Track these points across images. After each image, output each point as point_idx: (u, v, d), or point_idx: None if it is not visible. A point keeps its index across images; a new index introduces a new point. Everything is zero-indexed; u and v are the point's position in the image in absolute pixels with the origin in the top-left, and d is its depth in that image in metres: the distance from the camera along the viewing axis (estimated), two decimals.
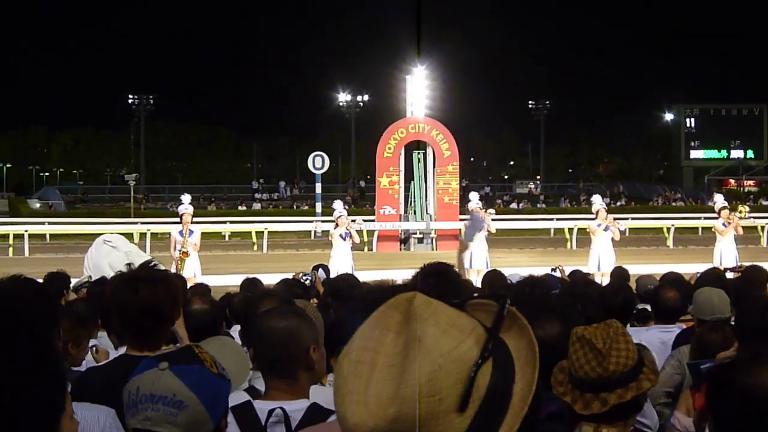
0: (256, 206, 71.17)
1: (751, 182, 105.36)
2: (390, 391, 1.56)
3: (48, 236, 40.45)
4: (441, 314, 1.65)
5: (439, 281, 3.77)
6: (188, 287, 10.06)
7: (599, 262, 22.27)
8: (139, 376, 2.70)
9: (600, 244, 22.91)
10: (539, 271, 12.27)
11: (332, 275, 12.08)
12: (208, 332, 6.89)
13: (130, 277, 4.58)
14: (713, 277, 9.60)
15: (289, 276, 10.95)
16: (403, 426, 1.54)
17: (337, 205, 25.68)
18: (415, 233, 36.67)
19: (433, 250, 35.02)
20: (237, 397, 3.48)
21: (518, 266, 19.63)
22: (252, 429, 3.66)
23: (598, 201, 24.71)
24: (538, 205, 78.10)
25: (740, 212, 24.86)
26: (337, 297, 8.47)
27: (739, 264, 14.35)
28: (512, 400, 1.64)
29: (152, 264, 4.67)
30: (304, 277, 10.07)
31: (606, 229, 23.00)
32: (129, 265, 5.70)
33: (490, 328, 1.65)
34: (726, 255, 22.07)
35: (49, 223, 42.15)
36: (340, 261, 20.97)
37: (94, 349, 6.37)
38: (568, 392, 3.48)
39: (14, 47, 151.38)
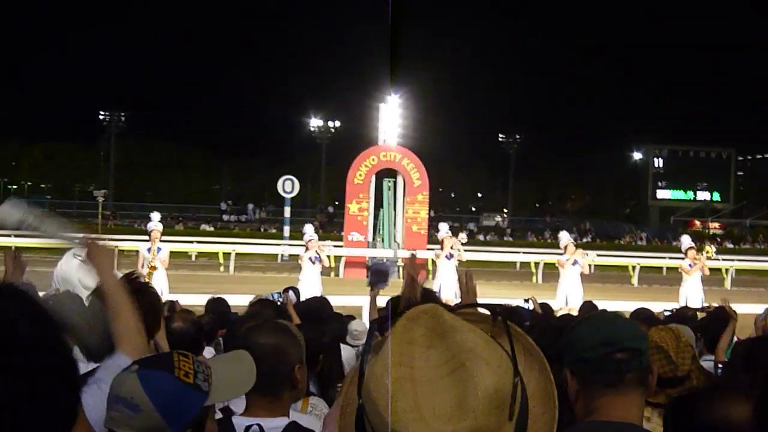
0: (224, 228, 71.23)
1: (716, 224, 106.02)
2: (451, 404, 1.57)
3: (13, 249, 40.10)
4: (472, 327, 1.68)
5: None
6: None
7: (567, 297, 22.31)
8: (116, 376, 2.78)
9: (568, 279, 22.97)
10: (509, 302, 12.27)
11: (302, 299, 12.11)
12: (190, 351, 6.87)
13: None
14: (684, 316, 9.70)
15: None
16: None
17: (308, 228, 25.71)
18: (381, 260, 36.71)
19: (399, 278, 34.95)
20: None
21: (487, 297, 19.60)
22: None
23: (565, 236, 24.74)
24: (505, 238, 78.36)
25: (707, 252, 24.97)
26: (309, 319, 8.44)
27: (707, 304, 14.40)
28: (531, 412, 1.68)
29: (134, 276, 4.65)
30: (276, 297, 10.07)
31: (574, 263, 23.08)
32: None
33: (507, 338, 1.68)
34: (692, 295, 22.15)
35: (15, 236, 41.82)
36: (309, 285, 20.94)
37: None
38: None
39: None
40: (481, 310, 1.80)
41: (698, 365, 4.89)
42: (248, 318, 6.63)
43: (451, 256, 24.25)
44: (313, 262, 23.19)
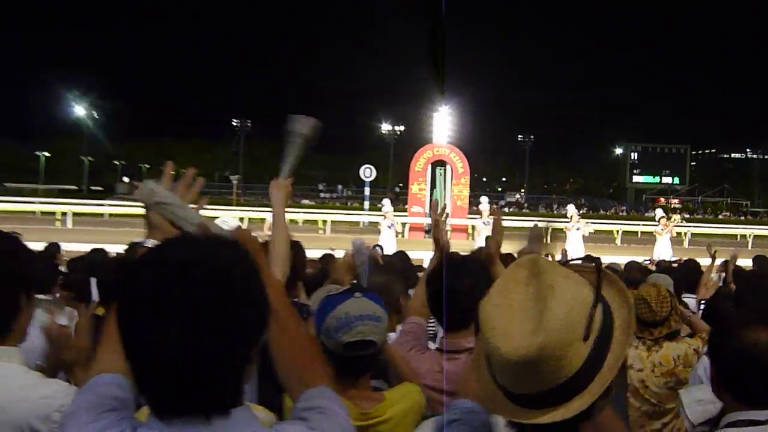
0: (320, 202, 71.25)
1: (676, 201, 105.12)
2: (531, 326, 1.56)
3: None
4: (560, 269, 1.66)
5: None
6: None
7: (570, 254, 22.09)
8: (342, 305, 2.69)
9: (572, 240, 22.77)
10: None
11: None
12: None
13: None
14: (665, 267, 9.66)
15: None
16: (547, 351, 1.54)
17: (386, 203, 25.67)
18: None
19: (448, 238, 34.78)
20: None
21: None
22: None
23: (572, 208, 24.55)
24: (523, 210, 77.89)
25: (675, 220, 24.88)
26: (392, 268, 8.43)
27: (678, 258, 14.26)
28: (615, 336, 1.64)
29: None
30: (375, 248, 10.00)
31: (578, 228, 22.91)
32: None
33: (594, 281, 1.64)
34: (663, 252, 21.87)
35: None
36: (387, 243, 20.94)
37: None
38: None
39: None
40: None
41: (677, 310, 4.83)
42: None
43: (488, 222, 24.13)
44: (389, 228, 23.27)
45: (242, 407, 1.67)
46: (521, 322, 1.57)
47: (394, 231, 23.37)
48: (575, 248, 22.33)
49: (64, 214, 34.67)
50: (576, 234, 22.97)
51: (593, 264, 1.71)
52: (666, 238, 22.89)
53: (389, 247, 18.66)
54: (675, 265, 10.49)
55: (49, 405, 2.28)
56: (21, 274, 2.39)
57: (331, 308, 2.71)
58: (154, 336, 1.56)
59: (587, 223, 24.40)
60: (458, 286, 3.14)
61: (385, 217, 23.66)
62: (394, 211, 26.82)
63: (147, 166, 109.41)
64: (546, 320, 1.55)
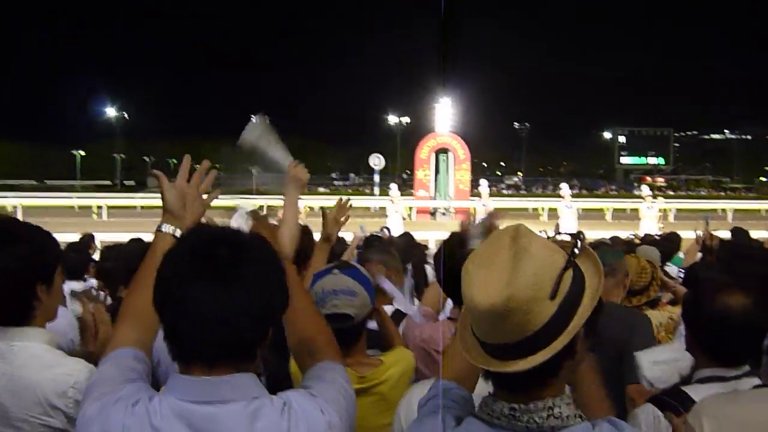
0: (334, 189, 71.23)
1: (661, 179, 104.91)
2: (504, 281, 1.59)
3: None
4: (539, 237, 1.68)
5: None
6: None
7: (564, 230, 22.04)
8: (321, 280, 2.71)
9: (566, 218, 22.75)
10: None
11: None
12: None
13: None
14: (651, 240, 9.68)
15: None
16: (513, 304, 1.57)
17: (393, 187, 25.70)
18: (440, 209, 36.58)
19: (451, 220, 34.82)
20: None
21: None
22: None
23: (565, 188, 24.54)
24: (521, 192, 77.75)
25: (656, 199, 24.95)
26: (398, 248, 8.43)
27: (662, 233, 14.23)
28: (583, 301, 1.64)
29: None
30: (383, 230, 10.00)
31: (569, 207, 22.90)
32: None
33: (570, 251, 1.66)
34: (649, 227, 21.78)
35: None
36: (395, 225, 20.95)
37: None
38: None
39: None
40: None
41: (659, 280, 4.76)
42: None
43: (486, 204, 24.18)
44: (397, 211, 23.32)
45: (250, 375, 1.70)
46: (497, 277, 1.60)
47: (401, 214, 23.38)
48: (568, 224, 22.30)
49: (99, 207, 34.88)
50: (568, 213, 22.92)
51: (578, 235, 1.72)
52: (652, 214, 22.81)
53: (396, 229, 18.67)
54: (658, 238, 10.48)
55: (66, 382, 2.27)
56: (31, 267, 2.37)
57: (312, 284, 2.73)
58: (194, 293, 1.62)
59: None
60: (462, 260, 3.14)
61: (392, 202, 23.64)
62: (402, 195, 26.76)
63: (174, 161, 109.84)
64: (516, 276, 1.58)
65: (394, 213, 23.25)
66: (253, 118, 3.09)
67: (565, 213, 22.96)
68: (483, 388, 1.81)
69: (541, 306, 1.58)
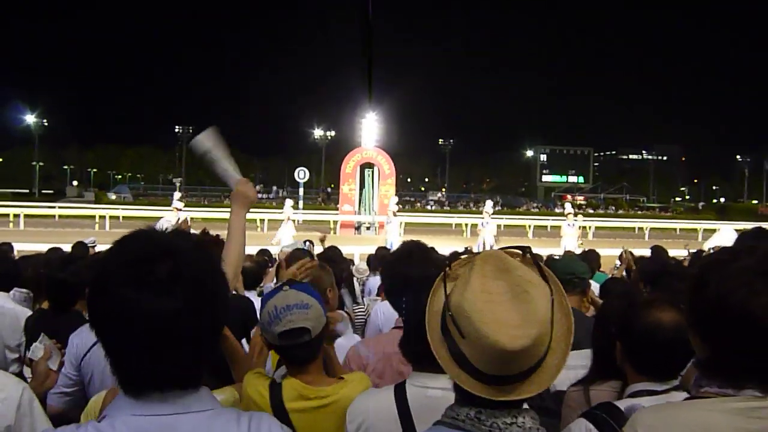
0: (257, 203, 70.62)
1: (581, 198, 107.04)
2: (519, 319, 1.60)
3: (121, 217, 39.32)
4: (519, 265, 1.70)
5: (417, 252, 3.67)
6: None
7: (485, 246, 22.32)
8: (272, 298, 2.66)
9: (487, 234, 23.04)
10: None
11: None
12: (253, 286, 6.72)
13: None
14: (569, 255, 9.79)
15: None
16: (538, 340, 1.61)
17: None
18: (365, 223, 36.62)
19: (375, 234, 34.94)
20: None
21: (440, 247, 19.58)
22: None
23: (489, 204, 24.84)
24: (444, 208, 78.33)
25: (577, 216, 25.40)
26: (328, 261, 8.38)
27: (582, 249, 14.52)
28: (555, 316, 1.68)
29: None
30: (306, 245, 9.95)
31: (572, 225, 23.24)
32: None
33: (542, 275, 1.71)
34: (569, 244, 22.20)
35: (122, 209, 41.44)
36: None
37: None
38: None
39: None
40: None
41: (589, 297, 4.80)
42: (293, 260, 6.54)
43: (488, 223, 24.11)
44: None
45: (203, 388, 1.67)
46: (507, 314, 1.60)
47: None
48: (490, 240, 22.65)
49: (16, 216, 34.48)
50: (488, 229, 23.28)
51: (527, 251, 1.78)
52: (572, 231, 23.26)
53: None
54: (578, 254, 10.64)
55: None
56: None
57: (263, 305, 2.69)
58: (139, 306, 1.52)
59: (492, 217, 24.50)
60: (412, 273, 3.27)
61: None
62: (328, 210, 26.78)
63: (94, 170, 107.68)
64: (534, 313, 1.60)
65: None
66: (207, 130, 3.06)
67: (486, 229, 23.26)
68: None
69: (548, 335, 1.64)
